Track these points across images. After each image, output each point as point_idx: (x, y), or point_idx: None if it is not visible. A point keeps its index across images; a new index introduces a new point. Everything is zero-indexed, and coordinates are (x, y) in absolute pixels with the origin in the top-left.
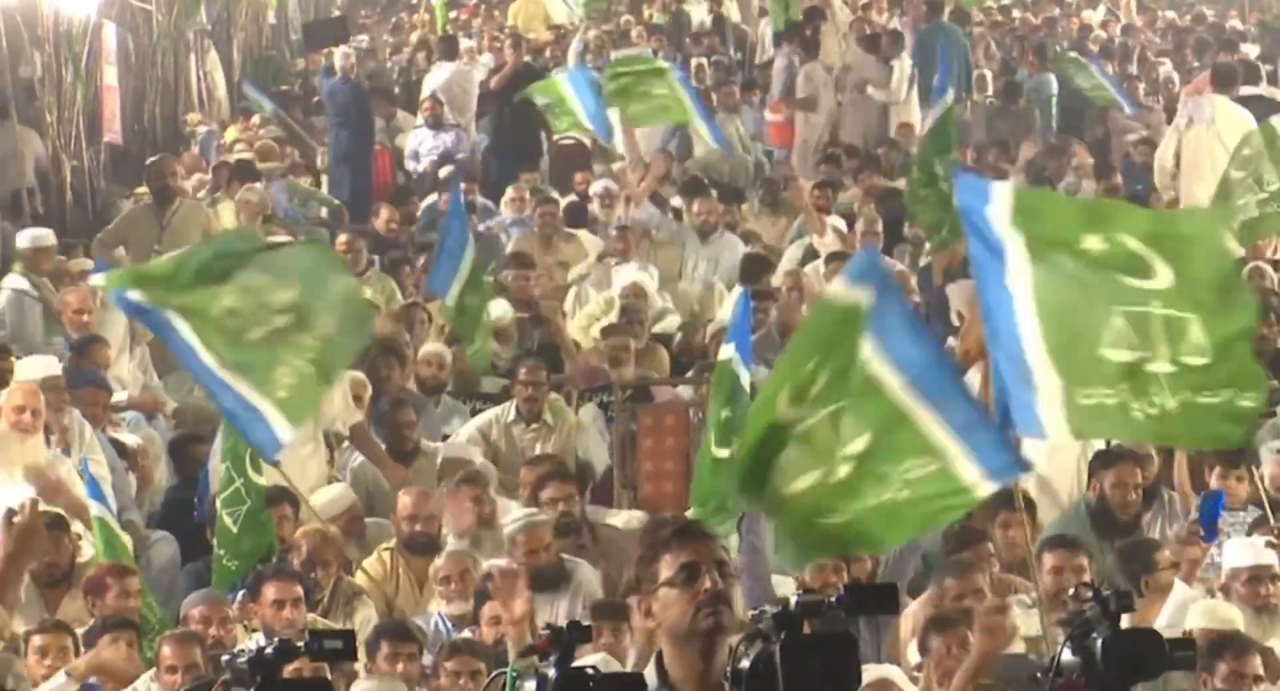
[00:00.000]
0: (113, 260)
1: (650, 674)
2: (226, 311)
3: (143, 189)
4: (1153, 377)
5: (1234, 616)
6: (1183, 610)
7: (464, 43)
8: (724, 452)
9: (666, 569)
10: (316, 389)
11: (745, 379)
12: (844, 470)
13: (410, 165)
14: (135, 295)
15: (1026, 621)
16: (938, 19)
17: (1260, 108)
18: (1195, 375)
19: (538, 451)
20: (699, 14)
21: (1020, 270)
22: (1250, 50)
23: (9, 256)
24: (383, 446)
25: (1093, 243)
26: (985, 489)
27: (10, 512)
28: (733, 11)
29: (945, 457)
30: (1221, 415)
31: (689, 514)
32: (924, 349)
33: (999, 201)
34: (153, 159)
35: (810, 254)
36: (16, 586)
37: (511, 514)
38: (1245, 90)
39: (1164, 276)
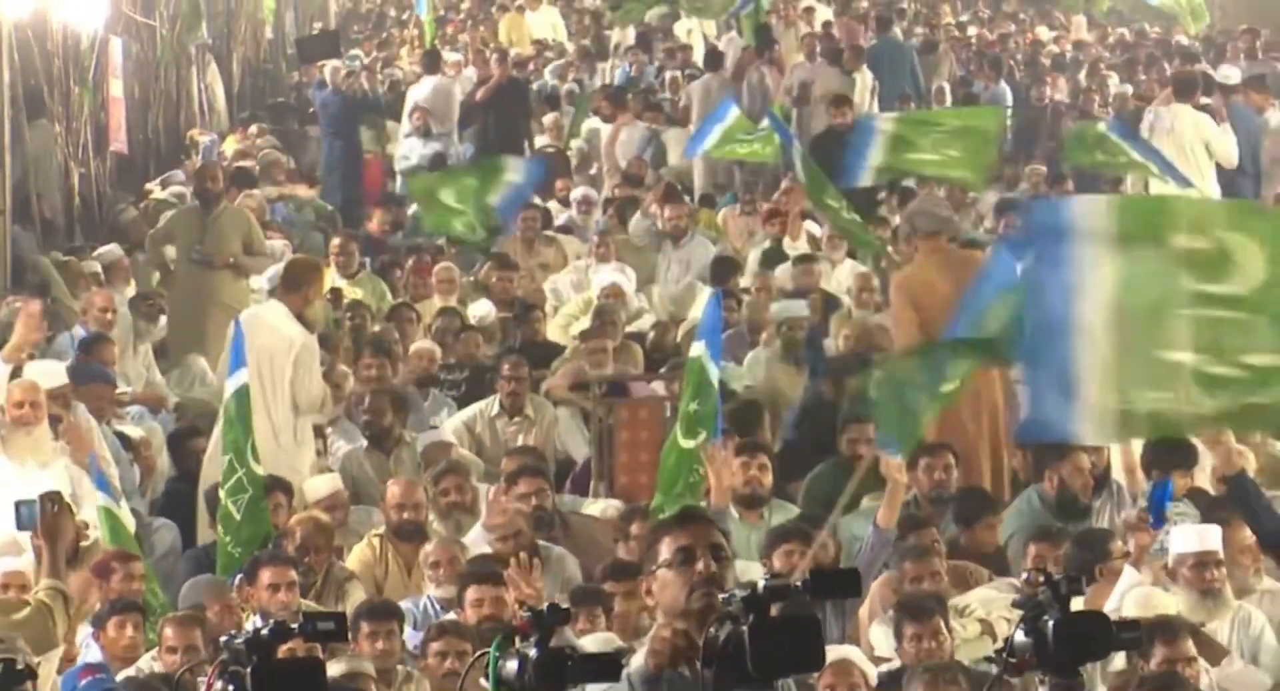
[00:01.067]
0: (158, 259)
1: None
2: None
3: (156, 189)
4: (1209, 378)
5: (1167, 603)
6: (1127, 594)
7: (451, 56)
8: (690, 443)
9: (665, 551)
10: None
11: (714, 374)
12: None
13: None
14: None
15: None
16: (885, 34)
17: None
18: (1259, 374)
19: (520, 443)
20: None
21: (1096, 276)
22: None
23: (20, 256)
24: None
25: (1181, 240)
26: None
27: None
28: (709, 28)
29: None
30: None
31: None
32: None
33: (1083, 213)
34: (199, 165)
35: (768, 256)
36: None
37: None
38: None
39: (1247, 278)
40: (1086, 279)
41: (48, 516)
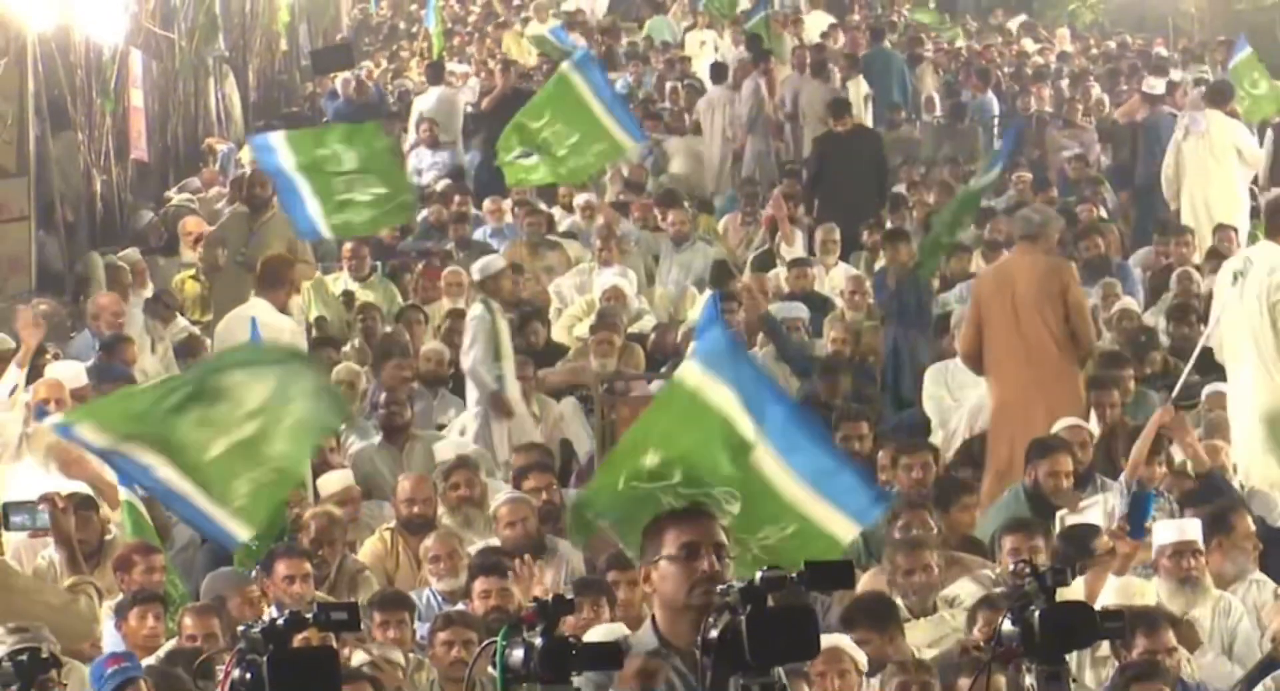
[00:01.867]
0: (212, 260)
1: (648, 634)
2: (194, 423)
3: (175, 194)
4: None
5: (1146, 590)
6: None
7: (458, 67)
8: None
9: (670, 544)
10: (275, 495)
11: None
12: None
13: (414, 180)
14: (85, 432)
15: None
16: (879, 45)
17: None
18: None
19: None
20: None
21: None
22: (1175, 75)
23: (44, 261)
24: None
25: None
26: (852, 533)
27: (49, 500)
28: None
29: (803, 516)
30: None
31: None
32: (778, 403)
33: None
34: (248, 173)
35: (760, 260)
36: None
37: (499, 494)
38: (1167, 109)
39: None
40: None
41: (56, 518)
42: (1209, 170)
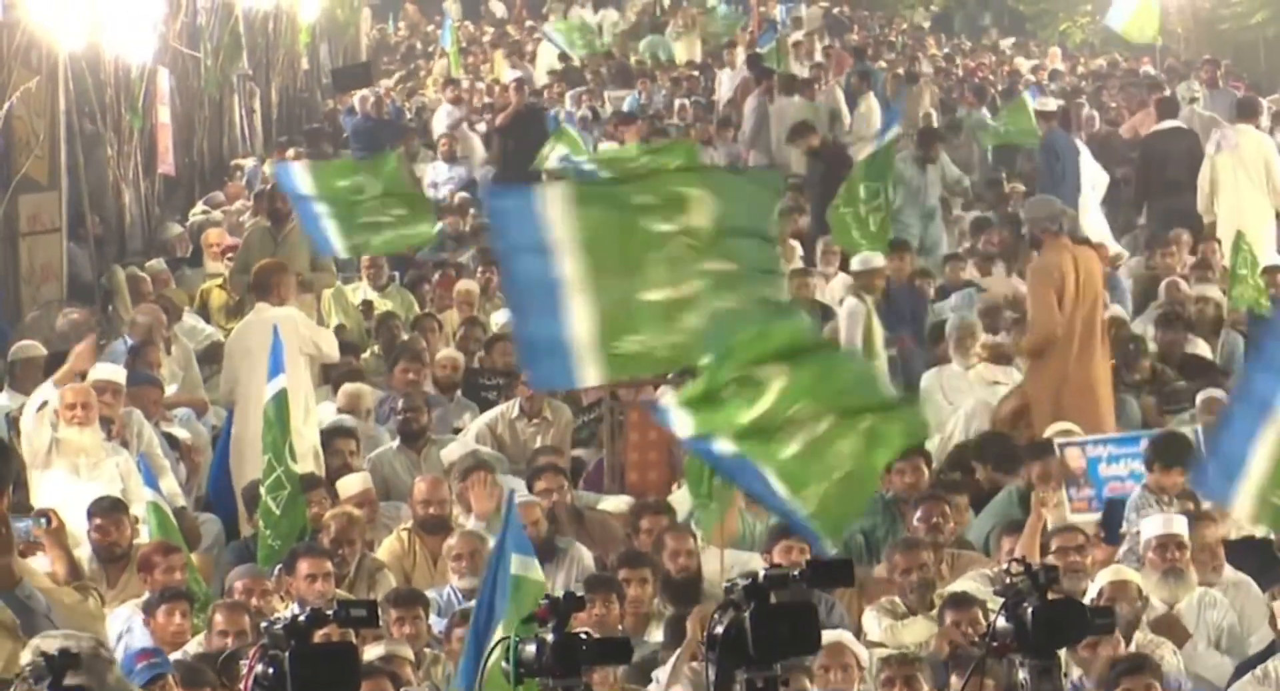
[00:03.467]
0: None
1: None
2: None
3: (200, 207)
4: (682, 303)
5: (1132, 575)
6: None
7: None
8: None
9: None
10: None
11: None
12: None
13: (430, 193)
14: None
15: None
16: (864, 63)
17: (1181, 138)
18: (723, 284)
19: (538, 444)
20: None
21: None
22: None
23: (75, 272)
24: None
25: (637, 197)
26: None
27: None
28: (695, 52)
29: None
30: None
31: (671, 498)
32: None
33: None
34: (269, 188)
35: None
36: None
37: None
38: (1167, 123)
39: (701, 214)
40: (558, 241)
41: (51, 532)
42: (1238, 182)
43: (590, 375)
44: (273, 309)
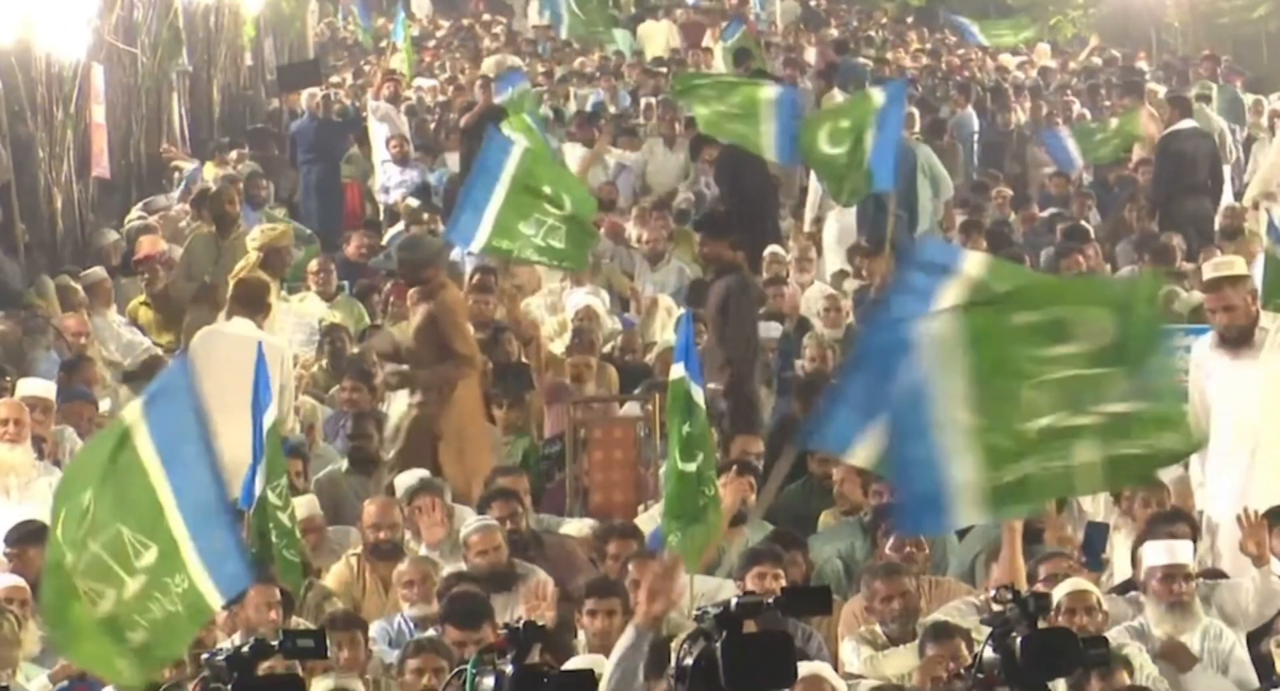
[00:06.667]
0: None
1: None
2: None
3: (134, 214)
4: (1071, 431)
5: (1090, 588)
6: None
7: (426, 83)
8: (690, 466)
9: None
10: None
11: (699, 395)
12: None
13: (381, 198)
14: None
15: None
16: (845, 57)
17: (1195, 139)
18: (1119, 421)
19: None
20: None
21: (950, 352)
22: (1157, 89)
23: (2, 280)
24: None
25: (1024, 317)
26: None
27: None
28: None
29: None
30: (1143, 459)
31: (637, 520)
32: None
33: (962, 271)
34: (215, 190)
35: None
36: None
37: (467, 520)
38: (1185, 124)
39: (1091, 339)
40: (937, 373)
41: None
42: None
43: (967, 514)
44: (259, 331)
